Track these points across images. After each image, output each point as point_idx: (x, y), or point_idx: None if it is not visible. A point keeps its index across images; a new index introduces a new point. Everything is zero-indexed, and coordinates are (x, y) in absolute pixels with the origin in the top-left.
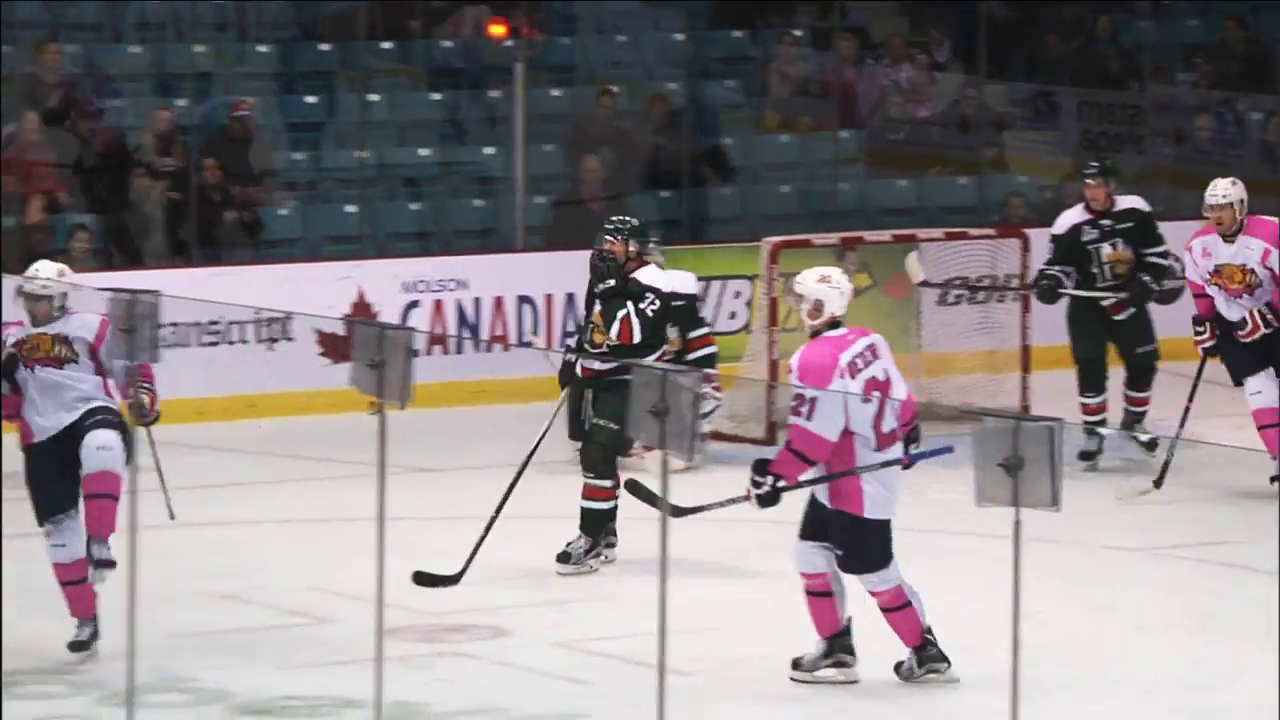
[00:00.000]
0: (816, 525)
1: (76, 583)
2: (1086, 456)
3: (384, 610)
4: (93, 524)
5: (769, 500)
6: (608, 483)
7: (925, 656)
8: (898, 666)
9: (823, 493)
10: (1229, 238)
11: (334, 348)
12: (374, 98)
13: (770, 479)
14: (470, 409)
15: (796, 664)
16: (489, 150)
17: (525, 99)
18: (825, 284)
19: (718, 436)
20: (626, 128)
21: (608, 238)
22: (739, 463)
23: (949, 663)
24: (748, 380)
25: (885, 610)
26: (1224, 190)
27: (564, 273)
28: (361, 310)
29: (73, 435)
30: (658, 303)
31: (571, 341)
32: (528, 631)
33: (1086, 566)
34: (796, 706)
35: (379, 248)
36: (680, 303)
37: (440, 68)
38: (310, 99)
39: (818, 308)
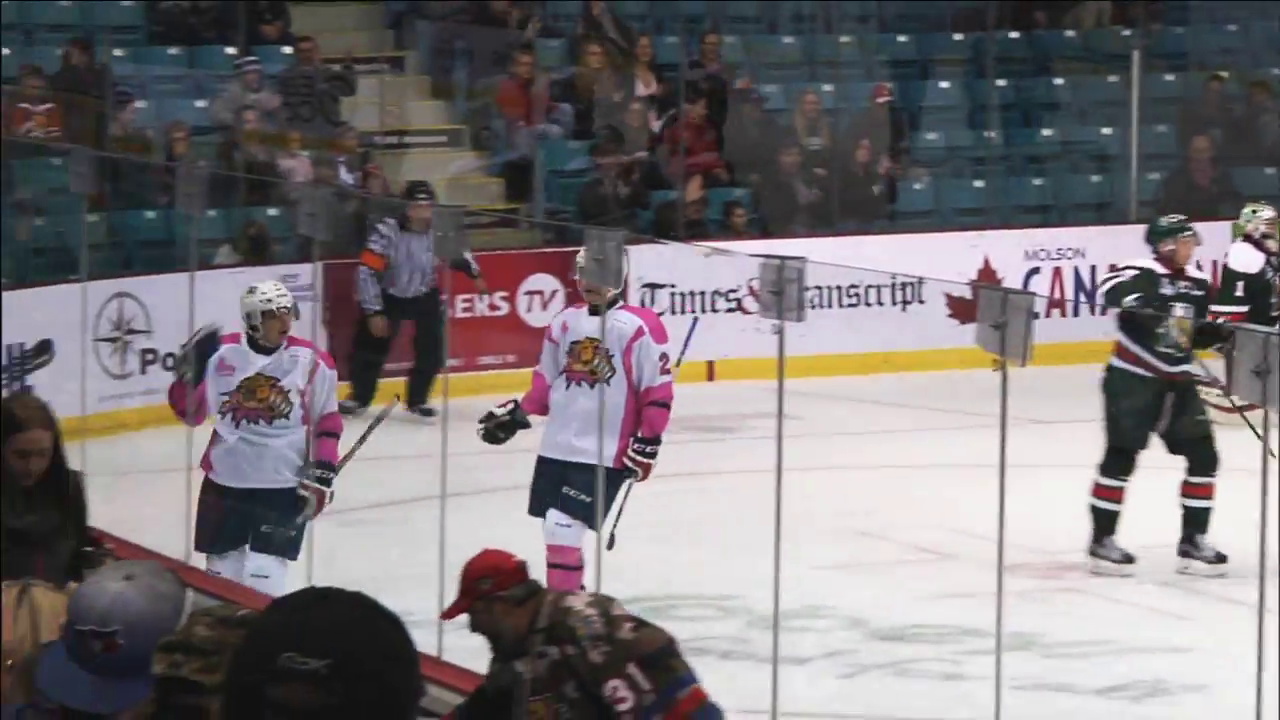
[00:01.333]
0: (554, 495)
1: None
2: None
3: (1004, 549)
4: None
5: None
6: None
7: None
8: None
9: (609, 457)
10: None
11: (961, 310)
12: (1001, 83)
13: (655, 446)
14: (1085, 367)
15: None
16: (1106, 131)
17: (1141, 84)
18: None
19: None
20: (1234, 110)
21: (1185, 237)
22: None
23: None
24: None
25: (565, 567)
26: None
27: None
28: (987, 276)
29: (254, 497)
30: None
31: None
32: (1138, 569)
33: None
34: None
35: (1003, 219)
36: None
37: (1063, 55)
38: (943, 84)
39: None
